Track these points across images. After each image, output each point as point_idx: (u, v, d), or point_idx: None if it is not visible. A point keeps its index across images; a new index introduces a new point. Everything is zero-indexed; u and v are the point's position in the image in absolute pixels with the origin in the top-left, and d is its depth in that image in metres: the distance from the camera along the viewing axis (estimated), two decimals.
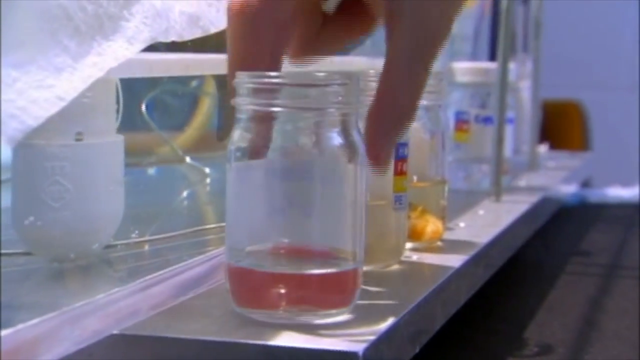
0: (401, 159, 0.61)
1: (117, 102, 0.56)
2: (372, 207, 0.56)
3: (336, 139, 0.48)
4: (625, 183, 1.40)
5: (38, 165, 0.52)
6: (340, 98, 0.48)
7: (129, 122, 0.61)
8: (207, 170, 0.93)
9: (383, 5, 0.51)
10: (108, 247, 0.57)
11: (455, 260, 0.65)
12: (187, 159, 0.95)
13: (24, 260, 0.55)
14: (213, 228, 0.66)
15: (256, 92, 0.48)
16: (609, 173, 1.50)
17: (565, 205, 1.25)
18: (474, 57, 1.40)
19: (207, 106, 1.00)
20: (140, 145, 0.94)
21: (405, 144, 0.61)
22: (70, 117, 0.51)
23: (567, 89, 2.26)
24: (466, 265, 0.66)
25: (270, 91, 0.47)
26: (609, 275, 0.92)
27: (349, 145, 0.49)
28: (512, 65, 1.03)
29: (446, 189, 0.72)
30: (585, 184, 1.43)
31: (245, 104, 0.48)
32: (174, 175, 0.96)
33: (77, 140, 0.52)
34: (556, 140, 1.64)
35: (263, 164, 0.48)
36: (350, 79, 0.49)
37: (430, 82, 0.66)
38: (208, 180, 0.92)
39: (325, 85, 0.48)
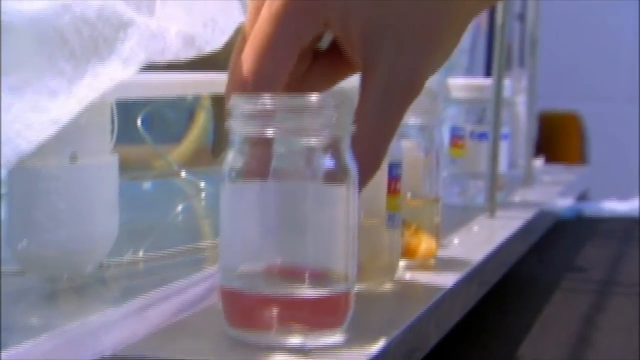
0: (394, 178, 0.61)
1: (112, 123, 0.56)
2: (366, 226, 0.57)
3: (329, 161, 0.49)
4: (624, 196, 1.40)
5: (32, 186, 0.52)
6: (333, 121, 0.48)
7: (124, 135, 0.61)
8: (202, 184, 0.93)
9: (359, 55, 0.52)
10: (102, 265, 0.57)
11: (448, 279, 0.65)
12: (183, 173, 0.95)
13: (18, 280, 0.55)
14: (208, 245, 0.66)
15: (250, 115, 0.48)
16: (608, 186, 1.50)
17: (562, 219, 1.25)
18: (470, 70, 1.40)
19: (202, 120, 1.00)
20: (136, 159, 0.94)
21: (398, 164, 0.62)
22: (65, 137, 0.51)
23: (565, 100, 2.26)
24: (460, 283, 0.66)
25: (264, 115, 0.48)
26: (604, 291, 0.92)
27: (341, 167, 0.49)
28: (507, 82, 1.03)
29: (440, 206, 0.72)
30: (582, 197, 1.43)
31: (238, 127, 0.49)
32: (169, 190, 0.96)
33: (71, 161, 0.52)
34: (554, 152, 1.64)
35: (256, 186, 0.49)
36: (343, 101, 0.49)
37: (425, 101, 0.66)
38: (203, 194, 0.93)
39: (318, 109, 0.48)
